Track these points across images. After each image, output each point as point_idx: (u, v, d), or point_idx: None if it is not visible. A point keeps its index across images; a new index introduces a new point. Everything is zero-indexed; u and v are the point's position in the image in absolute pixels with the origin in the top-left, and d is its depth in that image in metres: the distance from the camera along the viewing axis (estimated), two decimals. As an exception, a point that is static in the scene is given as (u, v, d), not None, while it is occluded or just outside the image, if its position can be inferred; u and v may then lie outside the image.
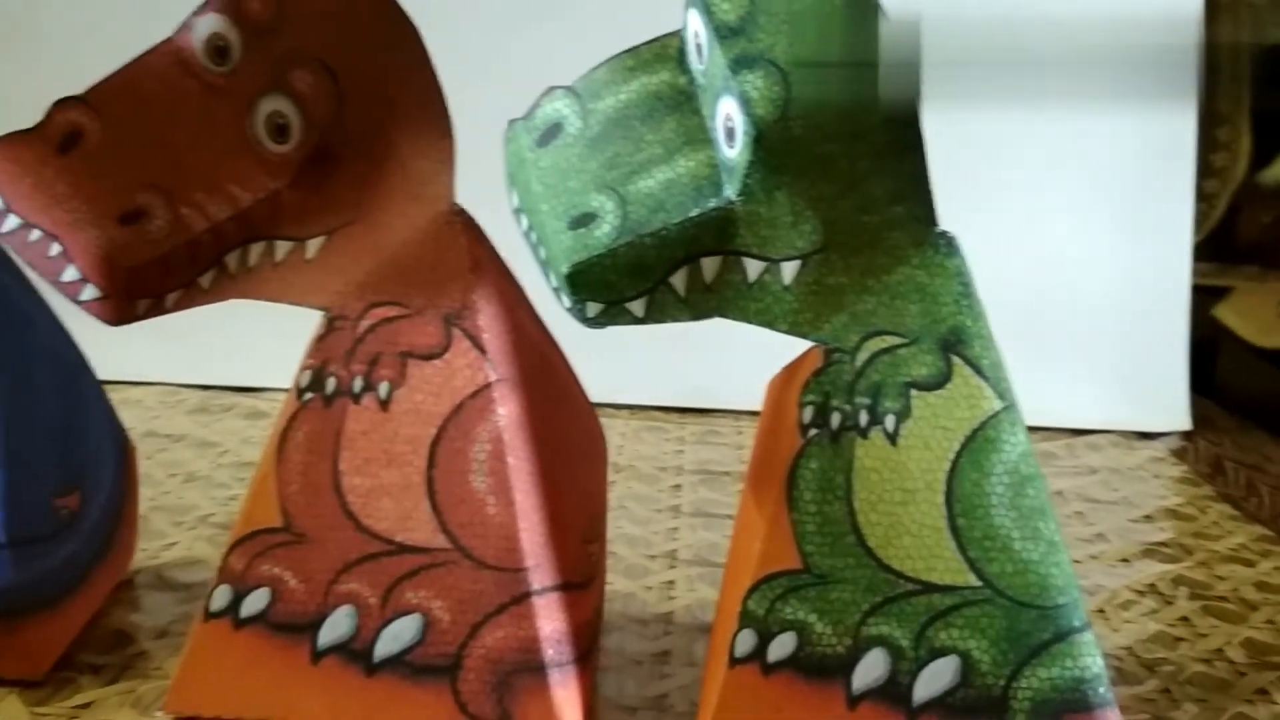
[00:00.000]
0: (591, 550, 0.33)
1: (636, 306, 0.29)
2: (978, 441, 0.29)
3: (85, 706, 0.31)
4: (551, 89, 0.30)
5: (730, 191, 0.28)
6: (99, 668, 0.33)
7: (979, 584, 0.29)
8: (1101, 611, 0.40)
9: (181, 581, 0.39)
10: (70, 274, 0.29)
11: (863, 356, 0.30)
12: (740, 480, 0.50)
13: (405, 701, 0.30)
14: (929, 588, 0.29)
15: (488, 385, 0.30)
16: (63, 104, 0.30)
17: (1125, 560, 0.45)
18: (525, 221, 0.29)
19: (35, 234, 0.29)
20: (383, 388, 0.31)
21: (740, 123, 0.28)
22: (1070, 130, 0.61)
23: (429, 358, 0.31)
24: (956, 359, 0.30)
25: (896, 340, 0.30)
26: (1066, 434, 0.59)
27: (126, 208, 0.29)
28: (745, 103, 0.27)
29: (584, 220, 0.28)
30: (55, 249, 0.29)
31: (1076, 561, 0.43)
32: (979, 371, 0.30)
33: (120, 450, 0.38)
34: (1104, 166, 0.63)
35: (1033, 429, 0.30)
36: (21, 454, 0.32)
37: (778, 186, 0.28)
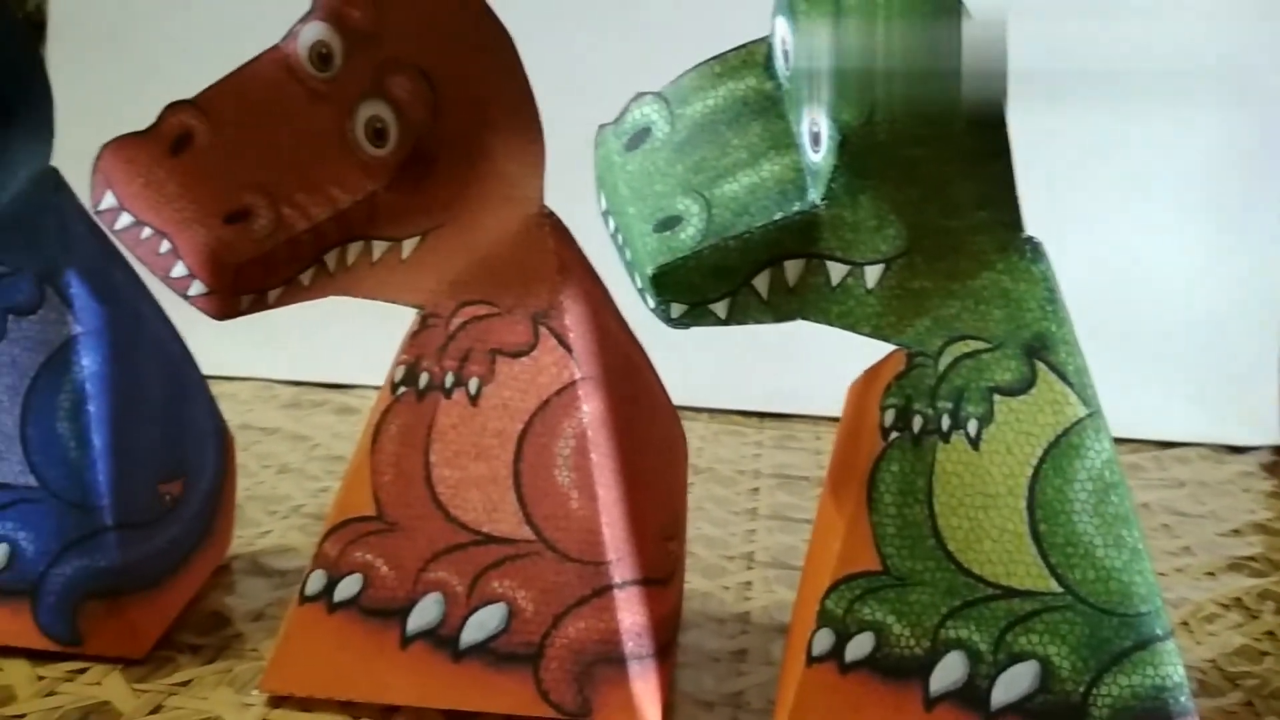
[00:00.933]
0: (671, 547, 0.34)
1: (720, 308, 0.29)
2: (1061, 447, 0.29)
3: (184, 684, 0.32)
4: (640, 95, 0.30)
5: (815, 195, 0.29)
6: (197, 648, 0.34)
7: (1060, 590, 0.29)
8: (1186, 624, 0.40)
9: (275, 568, 0.40)
10: (179, 270, 0.30)
11: (946, 360, 0.30)
12: (818, 485, 0.51)
13: (489, 688, 0.31)
14: (1009, 592, 0.29)
15: (573, 383, 0.31)
16: (175, 107, 0.31)
17: (1211, 574, 0.44)
18: (612, 224, 0.30)
19: (147, 231, 0.30)
20: (472, 383, 0.32)
21: (826, 127, 0.28)
22: (1163, 137, 0.61)
23: (517, 355, 0.32)
24: (1041, 364, 0.30)
25: (980, 345, 0.30)
26: (1154, 446, 0.58)
27: (232, 207, 0.30)
28: (831, 108, 0.28)
29: (669, 223, 0.29)
30: (165, 246, 0.30)
31: (1161, 574, 0.42)
32: (1063, 377, 0.30)
33: (220, 441, 0.40)
34: (1197, 174, 0.62)
35: (1120, 440, 0.30)
36: (129, 442, 0.34)
37: (862, 190, 0.28)
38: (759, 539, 0.45)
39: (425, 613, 0.31)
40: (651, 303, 0.29)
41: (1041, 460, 0.29)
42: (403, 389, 0.32)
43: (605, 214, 0.30)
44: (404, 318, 0.33)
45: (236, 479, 0.40)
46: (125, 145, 0.31)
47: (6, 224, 0.34)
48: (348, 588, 0.31)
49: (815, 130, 0.29)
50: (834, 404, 0.34)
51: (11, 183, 0.34)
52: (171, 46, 0.63)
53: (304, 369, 0.63)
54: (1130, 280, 0.61)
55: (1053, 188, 0.58)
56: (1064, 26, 0.60)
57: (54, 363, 0.33)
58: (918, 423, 0.30)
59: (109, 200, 0.30)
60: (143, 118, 0.31)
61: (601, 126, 0.31)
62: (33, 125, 0.34)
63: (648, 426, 0.34)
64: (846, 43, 0.28)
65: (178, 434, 0.37)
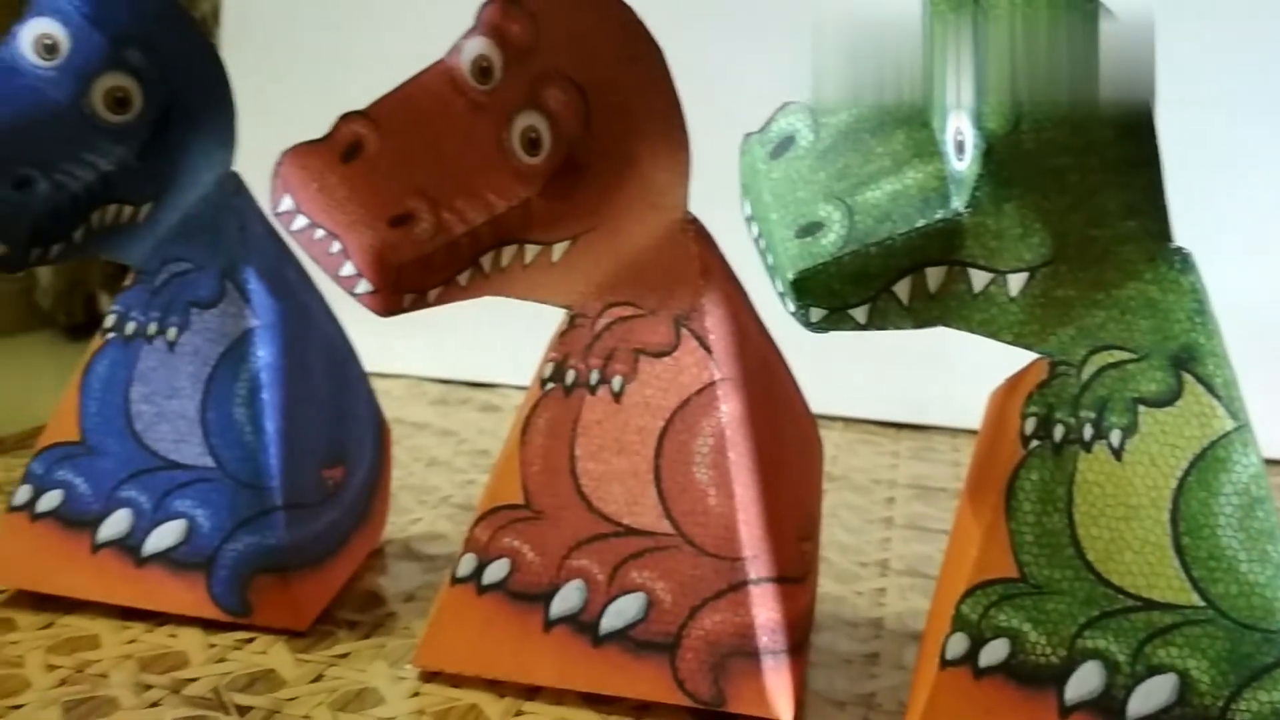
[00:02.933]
0: (805, 548, 0.35)
1: (859, 313, 0.30)
2: (1207, 460, 0.29)
3: (343, 657, 0.34)
4: (786, 104, 0.31)
5: (958, 203, 0.29)
6: (354, 623, 0.36)
7: (1202, 604, 0.29)
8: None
9: (426, 553, 0.42)
10: (348, 269, 0.32)
11: (1089, 370, 0.30)
12: (955, 497, 0.50)
13: (627, 674, 0.32)
14: (1149, 604, 0.29)
15: (712, 383, 0.32)
16: (347, 117, 0.33)
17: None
18: (755, 230, 0.30)
19: (320, 233, 0.32)
20: (616, 381, 0.33)
21: (970, 135, 0.28)
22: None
23: (659, 355, 0.33)
24: (1188, 376, 0.29)
25: (1125, 355, 0.30)
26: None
27: (397, 211, 0.32)
28: (976, 116, 0.28)
29: (811, 229, 0.30)
30: (336, 246, 0.32)
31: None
32: (1211, 390, 0.29)
33: (378, 431, 0.42)
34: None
35: (1271, 462, 0.30)
36: (298, 429, 0.36)
37: (1007, 199, 0.29)
38: (894, 547, 0.45)
39: (567, 598, 0.32)
40: (791, 307, 0.30)
41: (1186, 473, 0.29)
42: (551, 385, 0.33)
43: (749, 220, 0.31)
44: (545, 320, 0.34)
45: (391, 468, 0.43)
46: (302, 152, 0.33)
47: (191, 224, 0.37)
48: (496, 571, 0.33)
49: (960, 138, 0.29)
50: (973, 417, 0.34)
51: (197, 185, 0.36)
52: (343, 55, 0.67)
53: (451, 368, 0.65)
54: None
55: (1209, 198, 0.56)
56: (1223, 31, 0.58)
57: (232, 353, 0.36)
58: (1059, 431, 0.30)
59: (286, 203, 0.32)
60: (317, 125, 0.34)
61: (747, 135, 0.32)
62: (216, 131, 0.37)
63: (784, 428, 0.35)
64: (991, 49, 0.28)
65: (340, 423, 0.39)
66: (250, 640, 0.35)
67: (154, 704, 0.31)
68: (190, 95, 0.36)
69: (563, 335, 0.34)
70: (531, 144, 0.33)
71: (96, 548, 0.35)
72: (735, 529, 0.32)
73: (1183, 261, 0.30)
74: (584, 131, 0.32)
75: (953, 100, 0.29)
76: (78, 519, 0.36)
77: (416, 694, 0.32)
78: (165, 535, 0.35)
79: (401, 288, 0.32)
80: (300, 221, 0.32)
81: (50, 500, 0.36)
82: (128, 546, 0.35)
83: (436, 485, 0.49)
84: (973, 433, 0.34)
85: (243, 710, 0.31)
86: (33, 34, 0.35)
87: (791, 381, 0.37)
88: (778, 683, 0.31)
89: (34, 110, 0.35)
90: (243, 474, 0.36)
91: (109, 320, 0.37)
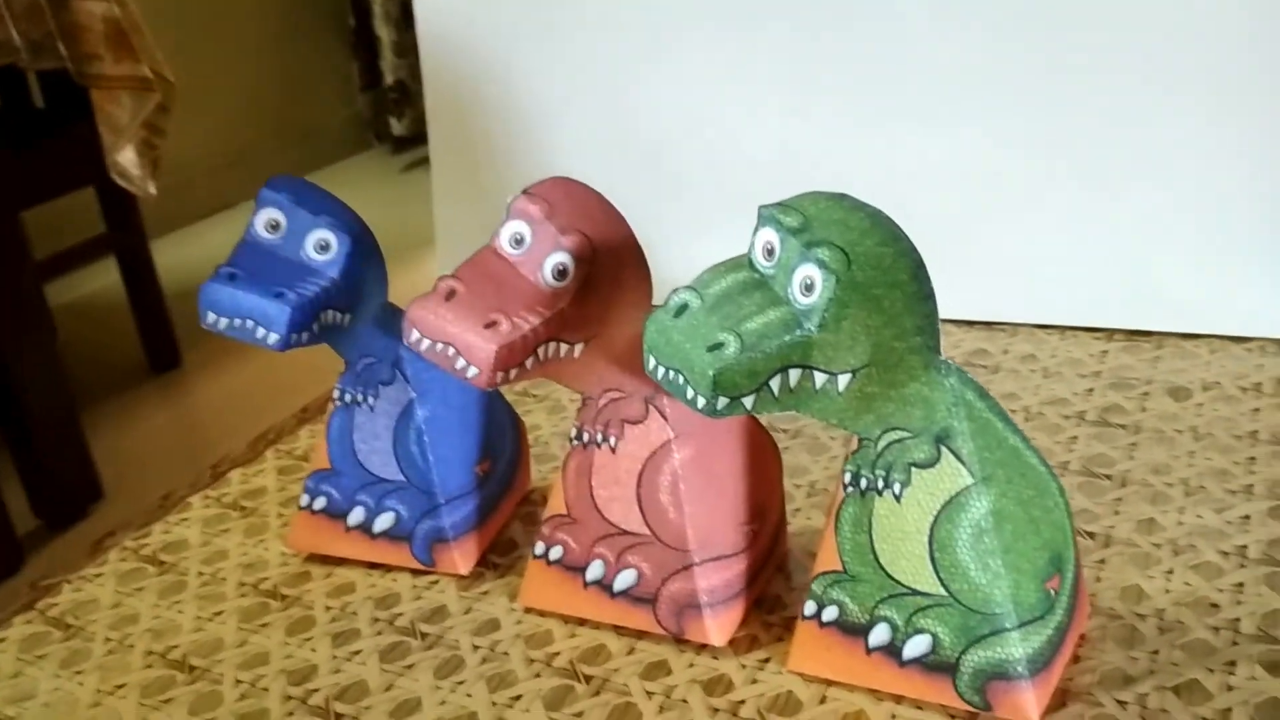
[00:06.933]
0: (750, 529, 0.54)
1: (748, 401, 0.47)
2: (953, 504, 0.45)
3: (485, 594, 0.58)
4: (676, 289, 0.48)
5: (811, 325, 0.45)
6: (496, 565, 0.60)
7: (945, 594, 0.46)
8: None
9: (555, 502, 0.65)
10: (460, 364, 0.53)
11: (882, 443, 0.46)
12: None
13: (630, 615, 0.53)
14: (915, 592, 0.46)
15: (668, 441, 0.51)
16: (443, 278, 0.54)
17: None
18: (662, 371, 0.48)
19: (439, 345, 0.53)
20: (612, 439, 0.52)
21: (820, 276, 0.44)
22: None
23: (635, 423, 0.52)
24: (944, 448, 0.45)
25: (905, 434, 0.46)
26: None
27: (485, 321, 0.52)
28: (822, 264, 0.43)
29: (716, 347, 0.47)
30: (452, 351, 0.53)
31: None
32: (959, 458, 0.45)
33: (515, 425, 0.64)
34: None
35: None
36: (449, 452, 0.59)
37: (844, 318, 0.45)
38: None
39: (594, 571, 0.54)
40: (701, 402, 0.47)
41: (940, 512, 0.46)
42: (575, 441, 0.54)
43: (654, 369, 0.48)
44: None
45: (528, 447, 0.65)
46: (419, 303, 0.53)
47: (371, 332, 0.59)
48: (555, 554, 0.55)
49: (808, 282, 0.44)
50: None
51: (370, 309, 0.58)
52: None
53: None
54: None
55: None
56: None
57: (404, 413, 0.59)
58: (864, 482, 0.47)
59: (414, 335, 0.54)
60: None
61: (653, 309, 0.49)
62: (379, 272, 0.58)
63: (734, 451, 0.53)
64: (817, 229, 0.44)
65: (487, 429, 0.62)
66: (435, 581, 0.59)
67: (379, 633, 0.56)
68: (362, 244, 0.57)
69: (580, 410, 0.54)
70: (560, 274, 0.51)
71: (348, 529, 0.60)
72: (684, 532, 0.51)
73: (947, 368, 0.45)
74: (593, 258, 0.51)
75: (798, 261, 0.44)
76: (335, 513, 0.61)
77: (519, 622, 0.55)
78: (384, 521, 0.60)
79: (496, 369, 0.52)
80: (425, 343, 0.53)
81: (320, 503, 0.61)
82: (364, 528, 0.60)
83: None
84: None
85: (424, 635, 0.55)
86: (263, 220, 0.57)
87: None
88: (713, 623, 0.51)
89: (274, 261, 0.57)
90: (420, 483, 0.59)
91: (335, 393, 0.60)
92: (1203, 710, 0.45)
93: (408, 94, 2.45)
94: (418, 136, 2.36)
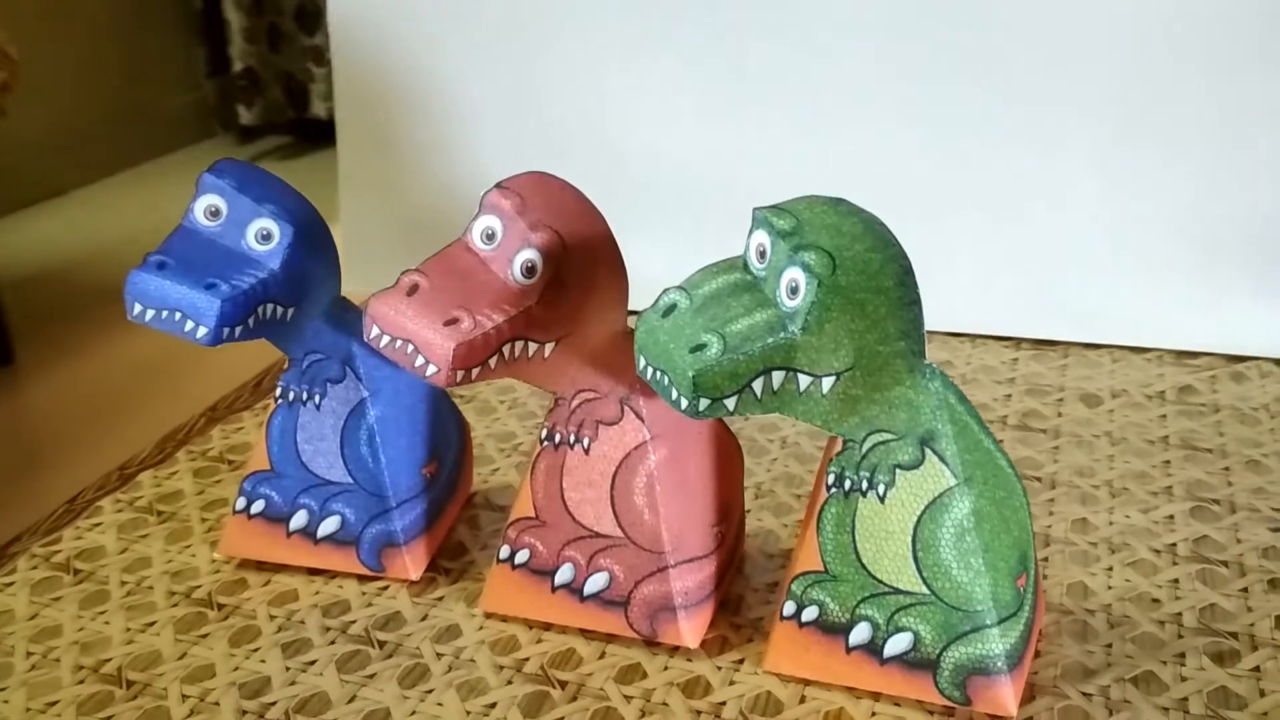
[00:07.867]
0: (719, 530, 0.54)
1: (730, 403, 0.47)
2: (936, 505, 0.47)
3: (440, 599, 0.56)
4: (667, 289, 0.48)
5: (794, 328, 0.46)
6: (448, 570, 0.58)
7: (927, 592, 0.47)
8: None
9: (498, 504, 0.63)
10: (419, 362, 0.51)
11: (866, 445, 0.47)
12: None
13: (600, 619, 0.52)
14: (897, 591, 0.47)
15: (644, 442, 0.51)
16: (407, 271, 0.52)
17: None
18: (650, 371, 0.48)
19: (399, 342, 0.51)
20: (585, 440, 0.52)
21: (804, 279, 0.44)
22: None
23: (610, 424, 0.51)
24: (928, 450, 0.46)
25: (890, 436, 0.47)
26: None
27: (446, 318, 0.50)
28: (807, 267, 0.44)
29: (699, 348, 0.47)
30: (410, 349, 0.51)
31: None
32: (943, 460, 0.46)
33: (460, 427, 0.62)
34: None
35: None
36: (399, 454, 0.57)
37: (828, 321, 0.45)
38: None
39: (564, 574, 0.53)
40: (684, 403, 0.47)
41: (923, 512, 0.47)
42: (546, 442, 0.53)
43: (643, 369, 0.48)
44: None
45: (472, 448, 0.63)
46: (380, 297, 0.51)
47: (318, 328, 0.56)
48: (521, 557, 0.53)
49: (794, 285, 0.45)
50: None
51: (319, 303, 0.56)
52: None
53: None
54: None
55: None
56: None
57: (354, 413, 0.56)
58: (848, 484, 0.48)
59: (374, 330, 0.52)
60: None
61: (642, 311, 0.49)
62: (328, 264, 0.56)
63: (704, 454, 0.53)
64: (808, 233, 0.44)
65: (433, 432, 0.60)
66: (385, 588, 0.57)
67: (332, 642, 0.53)
68: (309, 235, 0.55)
69: (552, 411, 0.53)
70: (528, 271, 0.50)
71: (289, 534, 0.58)
72: (659, 534, 0.51)
73: (931, 372, 0.46)
74: (564, 256, 0.50)
75: (786, 264, 0.44)
76: (275, 517, 0.58)
77: (481, 627, 0.54)
78: (328, 525, 0.57)
79: (455, 368, 0.51)
80: (385, 339, 0.51)
81: (258, 506, 0.58)
82: (307, 533, 0.58)
83: (513, 432, 0.70)
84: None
85: (381, 644, 0.53)
86: (202, 206, 0.54)
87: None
88: (688, 625, 0.51)
89: (211, 250, 0.54)
90: (369, 486, 0.57)
91: (278, 390, 0.58)
92: (1161, 700, 0.48)
93: (258, 82, 2.36)
94: (265, 126, 2.28)
